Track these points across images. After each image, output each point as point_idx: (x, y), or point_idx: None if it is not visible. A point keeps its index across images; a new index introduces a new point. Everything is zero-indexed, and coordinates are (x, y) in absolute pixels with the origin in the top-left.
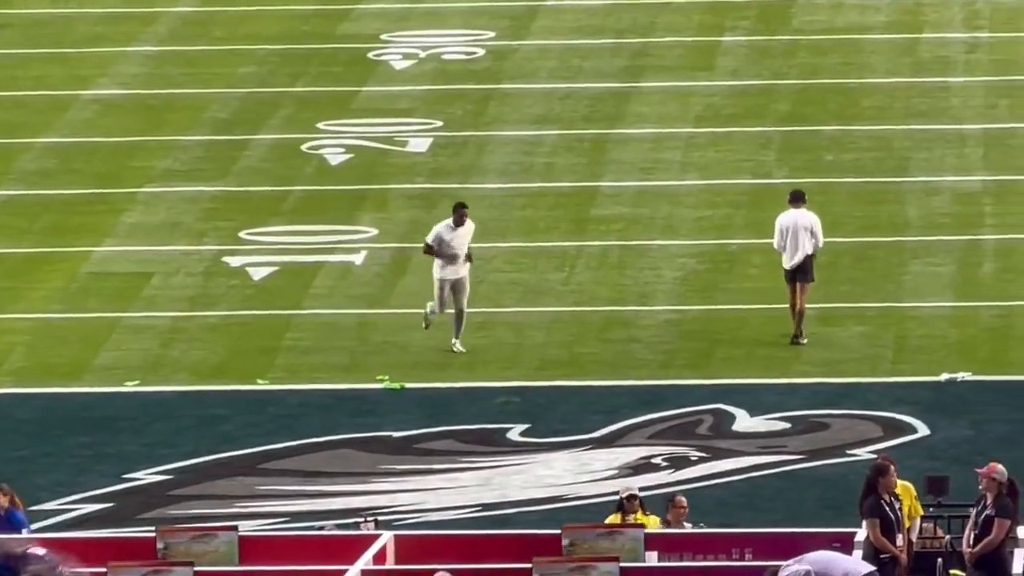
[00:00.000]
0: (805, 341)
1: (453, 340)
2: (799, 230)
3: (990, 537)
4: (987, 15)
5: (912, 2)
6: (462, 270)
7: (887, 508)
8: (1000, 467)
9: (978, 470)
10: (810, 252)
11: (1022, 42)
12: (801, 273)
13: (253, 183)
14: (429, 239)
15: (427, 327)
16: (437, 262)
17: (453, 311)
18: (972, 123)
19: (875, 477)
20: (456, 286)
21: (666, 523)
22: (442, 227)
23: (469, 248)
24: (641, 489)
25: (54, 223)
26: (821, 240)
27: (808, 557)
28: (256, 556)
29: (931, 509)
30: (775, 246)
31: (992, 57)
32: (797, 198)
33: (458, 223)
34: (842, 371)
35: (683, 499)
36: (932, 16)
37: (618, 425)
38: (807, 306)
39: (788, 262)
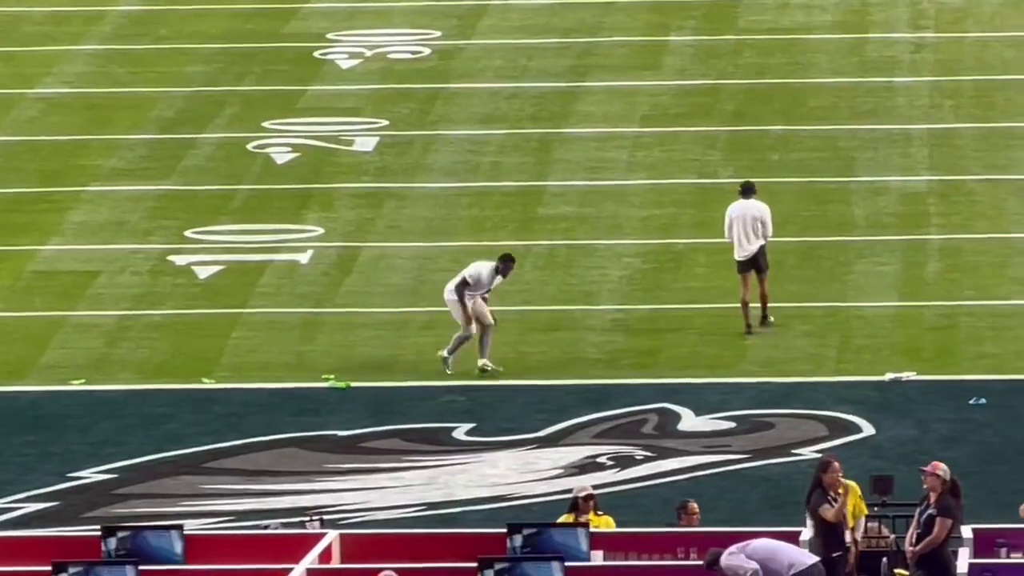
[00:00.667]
0: (772, 319)
1: (483, 360)
2: (749, 220)
3: (931, 536)
4: (932, 15)
5: (858, 2)
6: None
7: (831, 504)
8: (943, 466)
9: (922, 468)
10: (762, 243)
11: (967, 42)
12: (755, 264)
13: (199, 182)
14: (469, 277)
15: (449, 368)
16: (468, 293)
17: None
18: (918, 123)
19: (819, 473)
20: (481, 305)
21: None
22: (487, 271)
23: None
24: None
25: None
26: (770, 230)
27: (753, 544)
28: (201, 555)
29: (876, 508)
30: (726, 237)
31: (937, 57)
32: (748, 189)
33: (504, 274)
34: (787, 371)
35: (695, 504)
36: (878, 16)
37: (563, 424)
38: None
39: (740, 253)
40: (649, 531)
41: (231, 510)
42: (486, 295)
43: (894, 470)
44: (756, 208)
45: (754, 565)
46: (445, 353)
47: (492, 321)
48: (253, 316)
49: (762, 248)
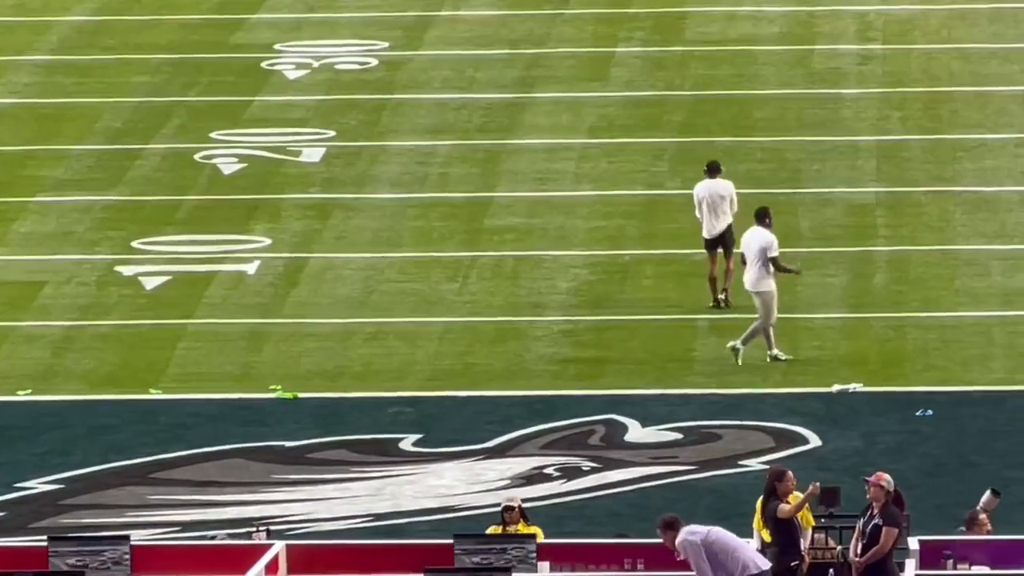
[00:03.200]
0: (731, 301)
1: (774, 351)
2: (716, 199)
3: (877, 546)
4: (880, 27)
5: (805, 14)
6: None
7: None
8: (887, 476)
9: (866, 478)
10: (729, 221)
11: (914, 54)
12: (722, 241)
13: (146, 192)
14: (764, 246)
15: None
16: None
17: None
18: (865, 135)
19: (772, 483)
20: (770, 296)
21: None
22: (762, 232)
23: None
24: (532, 500)
25: None
26: (736, 207)
27: (714, 535)
28: (148, 565)
29: (823, 520)
30: (696, 215)
31: (885, 69)
32: (713, 168)
33: (770, 225)
34: (734, 382)
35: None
36: (825, 28)
37: (510, 435)
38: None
39: (708, 232)
40: (596, 542)
41: (177, 521)
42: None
43: (840, 482)
44: (723, 187)
45: (706, 566)
46: (738, 344)
47: (774, 319)
48: (200, 327)
49: (729, 226)
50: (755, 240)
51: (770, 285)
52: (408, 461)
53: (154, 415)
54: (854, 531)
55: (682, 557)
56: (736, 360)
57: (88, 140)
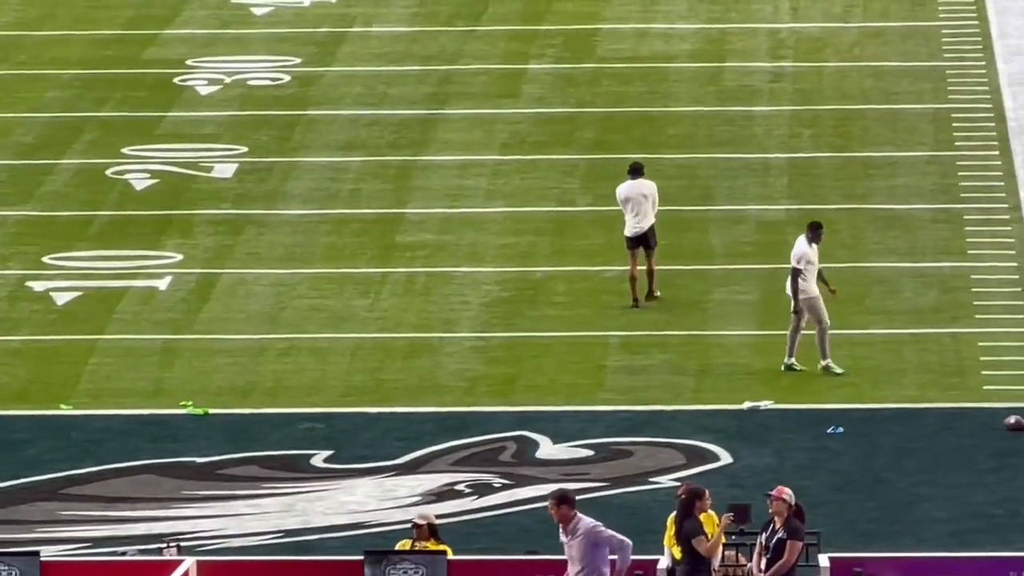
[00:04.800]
0: (659, 294)
1: (826, 361)
2: (639, 199)
3: (783, 560)
4: (791, 44)
5: (717, 31)
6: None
7: (705, 532)
8: (788, 490)
9: (768, 493)
10: (652, 221)
11: (825, 72)
12: (644, 240)
13: (58, 208)
14: (793, 259)
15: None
16: (802, 277)
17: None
18: (776, 152)
19: (691, 500)
20: (814, 301)
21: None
22: (801, 244)
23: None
24: (443, 516)
25: None
26: (657, 207)
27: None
28: None
29: (733, 537)
30: (623, 211)
31: (796, 86)
32: (636, 169)
33: (815, 240)
34: (645, 399)
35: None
36: (737, 45)
37: (422, 452)
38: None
39: (630, 230)
40: (506, 559)
41: (88, 536)
42: (817, 273)
43: (751, 498)
44: (646, 187)
45: (603, 553)
46: (825, 362)
47: (827, 321)
48: (111, 342)
49: (651, 226)
50: (793, 249)
51: (811, 290)
52: (319, 477)
53: (65, 431)
54: (755, 547)
55: (579, 534)
56: (835, 372)
57: (0, 155)
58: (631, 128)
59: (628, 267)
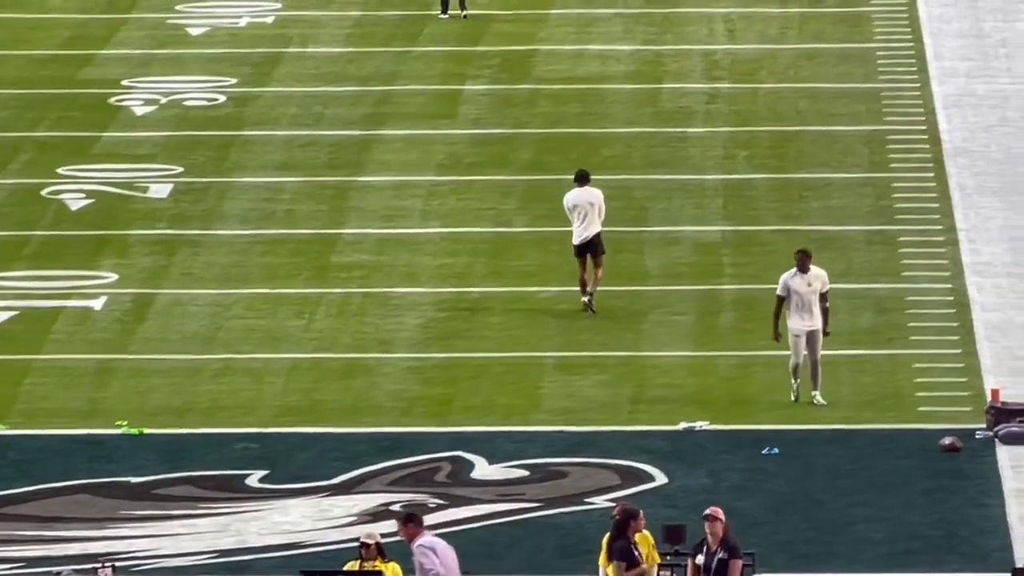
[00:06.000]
0: (594, 307)
1: (813, 392)
2: (587, 207)
3: None
4: (727, 66)
5: (652, 53)
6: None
7: (635, 552)
8: (720, 510)
9: (706, 514)
10: (599, 228)
11: (761, 93)
12: (591, 247)
13: None
14: (778, 290)
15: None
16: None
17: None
18: (712, 173)
19: (626, 520)
20: (810, 338)
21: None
22: (786, 275)
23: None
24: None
25: None
26: (604, 215)
27: (445, 551)
28: None
29: (668, 557)
30: (570, 220)
31: (732, 108)
32: (582, 177)
33: (802, 268)
34: (581, 419)
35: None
36: (672, 67)
37: (357, 472)
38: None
39: (577, 238)
40: None
41: (23, 556)
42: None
43: (686, 519)
44: (592, 195)
45: (441, 570)
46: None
47: (817, 357)
48: (46, 362)
49: (598, 233)
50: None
51: (790, 323)
52: (254, 497)
53: (0, 450)
54: (687, 569)
55: (416, 557)
56: (814, 402)
57: None
58: (568, 149)
59: (574, 281)
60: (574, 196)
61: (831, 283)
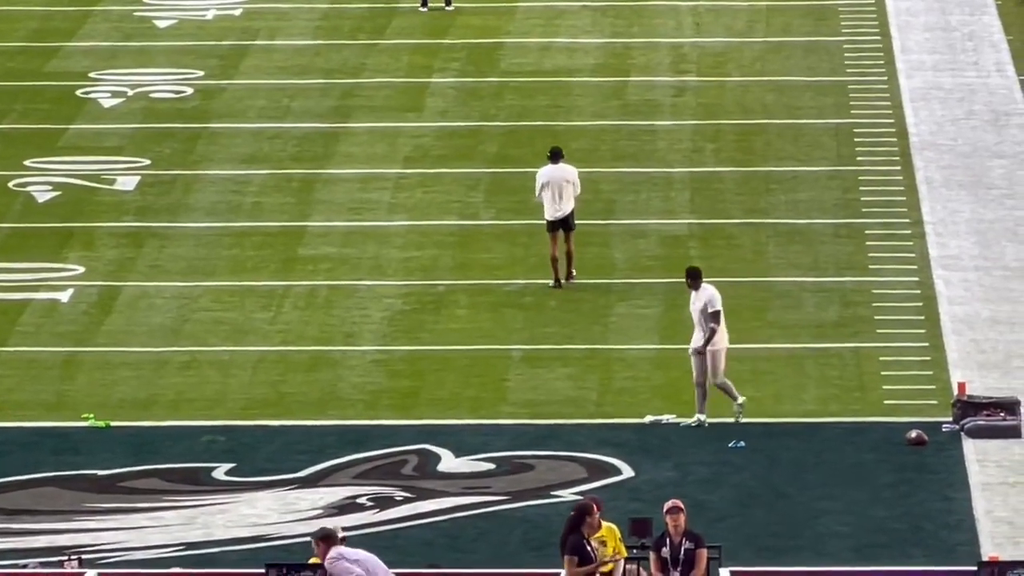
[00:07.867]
0: (575, 273)
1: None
2: (561, 183)
3: (702, 569)
4: (694, 59)
5: (620, 46)
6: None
7: (588, 548)
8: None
9: (670, 504)
10: (573, 205)
11: (728, 86)
12: (564, 223)
13: None
14: (715, 305)
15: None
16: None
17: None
18: (678, 166)
19: (580, 516)
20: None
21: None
22: (712, 289)
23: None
24: (345, 529)
25: None
26: (579, 190)
27: (371, 560)
28: None
29: (635, 551)
30: (536, 198)
31: (699, 101)
32: (556, 154)
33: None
34: (547, 412)
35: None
36: (640, 60)
37: (323, 465)
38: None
39: (552, 214)
40: (408, 572)
41: None
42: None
43: (653, 512)
44: (566, 171)
45: (359, 570)
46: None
47: (704, 379)
48: (12, 355)
49: (572, 210)
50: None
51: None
52: (221, 490)
53: None
54: (652, 561)
55: (330, 572)
56: (737, 415)
57: None
58: (534, 141)
59: (540, 274)
60: (547, 172)
61: (797, 277)
